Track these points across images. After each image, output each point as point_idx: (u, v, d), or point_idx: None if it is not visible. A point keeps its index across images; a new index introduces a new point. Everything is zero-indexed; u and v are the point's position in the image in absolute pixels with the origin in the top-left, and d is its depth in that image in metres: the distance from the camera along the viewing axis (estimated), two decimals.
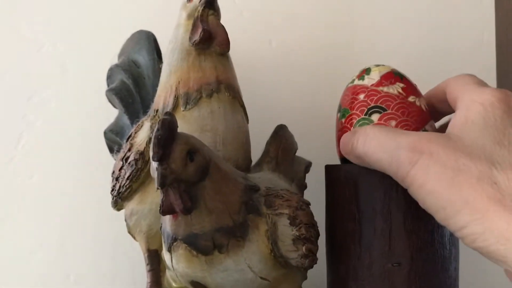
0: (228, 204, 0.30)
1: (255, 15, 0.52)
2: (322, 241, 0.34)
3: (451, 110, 0.35)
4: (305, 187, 0.41)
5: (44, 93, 0.51)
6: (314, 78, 0.52)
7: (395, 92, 0.35)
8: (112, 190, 0.37)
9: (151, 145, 0.28)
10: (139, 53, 0.42)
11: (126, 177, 0.36)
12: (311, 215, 0.34)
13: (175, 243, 0.31)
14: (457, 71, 0.37)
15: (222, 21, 0.37)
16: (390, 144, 0.31)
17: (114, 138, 0.42)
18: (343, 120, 0.36)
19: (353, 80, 0.37)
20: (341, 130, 0.36)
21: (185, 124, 0.34)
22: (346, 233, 0.35)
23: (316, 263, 0.33)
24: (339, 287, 0.36)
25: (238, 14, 0.52)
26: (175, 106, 0.35)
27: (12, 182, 0.50)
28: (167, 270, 0.37)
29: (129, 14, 0.52)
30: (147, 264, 0.37)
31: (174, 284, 0.38)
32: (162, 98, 0.36)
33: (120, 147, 0.40)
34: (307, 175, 0.41)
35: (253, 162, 0.39)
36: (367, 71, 0.36)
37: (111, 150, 0.42)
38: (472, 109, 0.30)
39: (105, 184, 0.39)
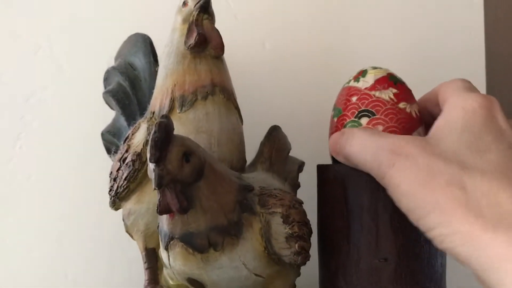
0: (223, 203, 0.31)
1: (249, 19, 0.52)
2: (314, 239, 0.35)
3: None
4: (298, 186, 0.41)
5: (41, 94, 0.51)
6: (307, 80, 0.52)
7: (386, 97, 0.35)
8: (110, 190, 0.37)
9: (148, 147, 0.28)
10: (135, 55, 0.42)
11: (123, 177, 0.36)
12: (303, 213, 0.34)
13: (172, 242, 0.31)
14: (449, 75, 0.37)
15: (217, 25, 0.37)
16: (372, 146, 0.32)
17: (112, 139, 0.42)
18: (336, 119, 0.37)
19: (350, 81, 0.37)
20: (334, 129, 0.37)
21: (181, 126, 0.35)
22: (335, 230, 0.35)
23: (309, 260, 0.33)
24: (329, 282, 0.36)
25: (232, 17, 0.52)
26: (171, 108, 0.36)
27: (10, 182, 0.50)
28: (164, 268, 0.37)
29: (126, 17, 0.52)
30: (145, 262, 0.37)
31: (171, 282, 0.38)
32: (159, 100, 0.36)
33: (117, 148, 0.40)
34: (300, 174, 0.42)
35: (248, 163, 0.39)
36: (363, 73, 0.37)
37: (108, 151, 0.42)
38: (453, 113, 0.31)
39: (103, 184, 0.39)
